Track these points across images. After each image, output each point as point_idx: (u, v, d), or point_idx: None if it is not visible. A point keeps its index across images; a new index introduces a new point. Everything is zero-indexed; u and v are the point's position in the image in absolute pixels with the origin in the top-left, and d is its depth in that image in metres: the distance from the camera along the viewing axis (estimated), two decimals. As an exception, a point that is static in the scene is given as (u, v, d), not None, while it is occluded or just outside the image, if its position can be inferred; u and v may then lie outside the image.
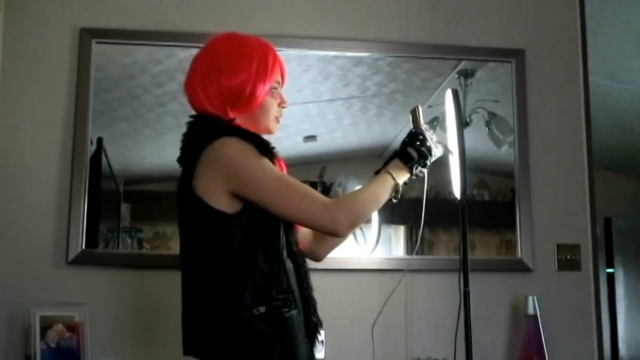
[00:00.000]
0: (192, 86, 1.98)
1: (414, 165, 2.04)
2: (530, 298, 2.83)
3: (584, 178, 3.06)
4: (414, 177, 2.08)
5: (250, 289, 1.82)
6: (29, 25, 2.83)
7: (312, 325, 1.94)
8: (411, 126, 2.15)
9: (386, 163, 2.07)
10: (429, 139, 2.08)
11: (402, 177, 2.03)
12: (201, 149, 1.87)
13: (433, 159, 2.10)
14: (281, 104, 2.04)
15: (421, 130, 2.10)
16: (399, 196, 2.01)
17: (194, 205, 1.87)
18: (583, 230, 3.03)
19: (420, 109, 2.15)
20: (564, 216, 3.02)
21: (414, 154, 2.04)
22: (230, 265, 1.84)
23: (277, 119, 2.05)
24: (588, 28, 3.17)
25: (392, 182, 1.99)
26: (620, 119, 5.17)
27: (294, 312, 1.87)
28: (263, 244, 1.86)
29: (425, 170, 2.10)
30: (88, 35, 2.82)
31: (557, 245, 2.99)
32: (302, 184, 1.90)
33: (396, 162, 2.04)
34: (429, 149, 2.07)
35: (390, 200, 2.01)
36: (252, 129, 1.94)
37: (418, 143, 2.06)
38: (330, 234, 1.93)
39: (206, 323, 1.85)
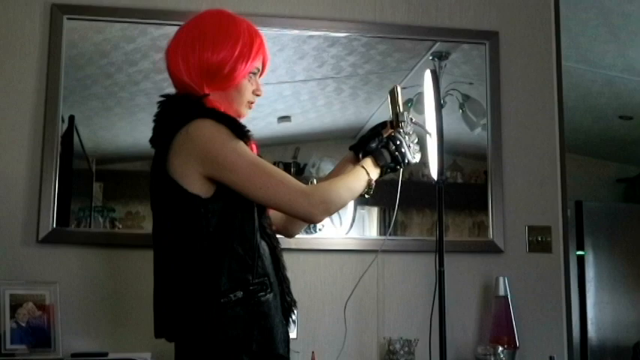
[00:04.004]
0: (173, 54, 1.96)
1: (385, 167, 2.06)
2: (501, 279, 2.85)
3: (555, 161, 3.08)
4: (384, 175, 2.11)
5: (226, 274, 1.82)
6: (-1, 1, 2.79)
7: (286, 305, 1.95)
8: (390, 106, 2.17)
9: (361, 141, 2.12)
10: (406, 146, 2.09)
11: (375, 174, 2.05)
12: (175, 131, 1.85)
13: (405, 166, 2.12)
14: (255, 91, 2.03)
15: (402, 132, 2.11)
16: (372, 191, 2.03)
17: (168, 189, 1.86)
18: (554, 213, 3.05)
19: (399, 89, 2.17)
20: (536, 198, 3.04)
21: (388, 158, 2.06)
22: (205, 249, 1.83)
23: (250, 105, 2.04)
24: (562, 12, 3.18)
25: (366, 177, 2.01)
26: (591, 103, 5.20)
27: (270, 295, 1.87)
28: (237, 228, 1.85)
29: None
30: (60, 11, 2.77)
31: (528, 227, 3.01)
32: (278, 169, 1.92)
33: (370, 159, 2.06)
34: (403, 156, 2.08)
35: (362, 195, 2.03)
36: (223, 108, 1.92)
37: (394, 148, 2.07)
38: (305, 220, 1.96)
39: (181, 308, 1.85)
